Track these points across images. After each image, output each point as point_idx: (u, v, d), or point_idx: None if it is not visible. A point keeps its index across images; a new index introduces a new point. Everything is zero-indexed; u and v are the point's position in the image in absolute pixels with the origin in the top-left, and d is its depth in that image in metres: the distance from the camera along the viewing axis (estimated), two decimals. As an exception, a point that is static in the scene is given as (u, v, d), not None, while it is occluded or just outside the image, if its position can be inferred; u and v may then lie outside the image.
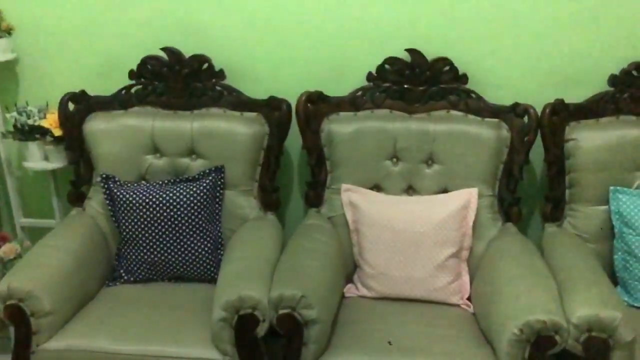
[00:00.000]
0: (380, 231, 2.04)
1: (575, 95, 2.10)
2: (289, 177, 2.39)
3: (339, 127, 2.14)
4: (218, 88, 2.21)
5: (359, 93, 2.18)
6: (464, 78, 2.14)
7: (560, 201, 2.08)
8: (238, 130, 2.14)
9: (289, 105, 2.14)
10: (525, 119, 2.05)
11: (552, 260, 1.91)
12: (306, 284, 1.76)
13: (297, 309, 1.71)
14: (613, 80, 2.07)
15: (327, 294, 1.82)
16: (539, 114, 2.03)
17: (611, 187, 2.00)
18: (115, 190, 2.08)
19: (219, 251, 2.11)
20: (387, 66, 2.16)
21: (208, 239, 2.08)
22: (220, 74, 2.21)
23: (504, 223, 2.10)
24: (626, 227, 1.95)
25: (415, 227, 2.01)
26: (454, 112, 2.14)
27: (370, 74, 2.17)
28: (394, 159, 2.14)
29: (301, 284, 1.75)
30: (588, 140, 2.02)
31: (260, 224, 2.13)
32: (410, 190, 2.16)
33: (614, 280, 2.01)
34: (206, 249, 2.07)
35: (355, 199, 2.11)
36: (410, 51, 2.14)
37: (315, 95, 2.14)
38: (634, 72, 2.06)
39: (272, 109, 2.15)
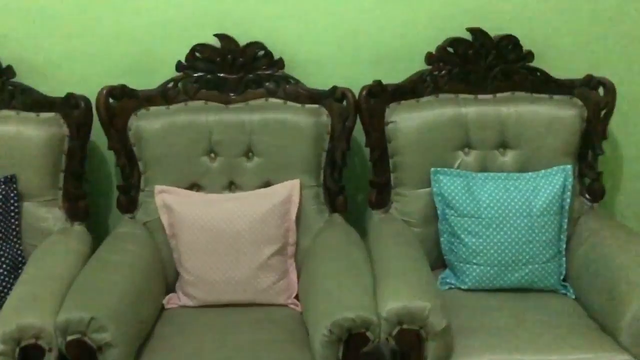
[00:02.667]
0: (198, 234, 1.88)
1: (399, 75, 2.02)
2: (107, 182, 2.18)
3: (148, 124, 1.95)
4: (9, 87, 1.95)
5: (170, 85, 2.00)
6: (280, 63, 2.01)
7: (386, 187, 2.01)
8: (30, 134, 1.90)
9: (88, 103, 1.92)
10: (345, 103, 1.96)
11: (374, 249, 1.83)
12: (99, 303, 1.56)
13: (87, 334, 1.52)
14: (429, 58, 2.00)
15: (128, 311, 1.63)
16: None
17: (432, 169, 1.94)
18: None
19: (19, 271, 1.87)
20: (197, 54, 1.99)
21: (3, 259, 1.83)
22: (9, 71, 1.95)
23: (331, 214, 2.00)
24: (448, 209, 1.90)
25: (234, 226, 1.86)
26: (273, 100, 2.00)
27: (179, 63, 1.99)
28: (212, 154, 1.98)
29: (93, 304, 1.55)
30: (407, 121, 1.95)
31: (63, 238, 1.90)
32: (232, 186, 2.01)
33: (443, 263, 1.97)
34: (1, 270, 1.83)
35: (170, 201, 1.93)
36: (220, 36, 1.98)
37: (119, 89, 1.93)
38: (450, 49, 2.00)
39: (71, 108, 1.93)
